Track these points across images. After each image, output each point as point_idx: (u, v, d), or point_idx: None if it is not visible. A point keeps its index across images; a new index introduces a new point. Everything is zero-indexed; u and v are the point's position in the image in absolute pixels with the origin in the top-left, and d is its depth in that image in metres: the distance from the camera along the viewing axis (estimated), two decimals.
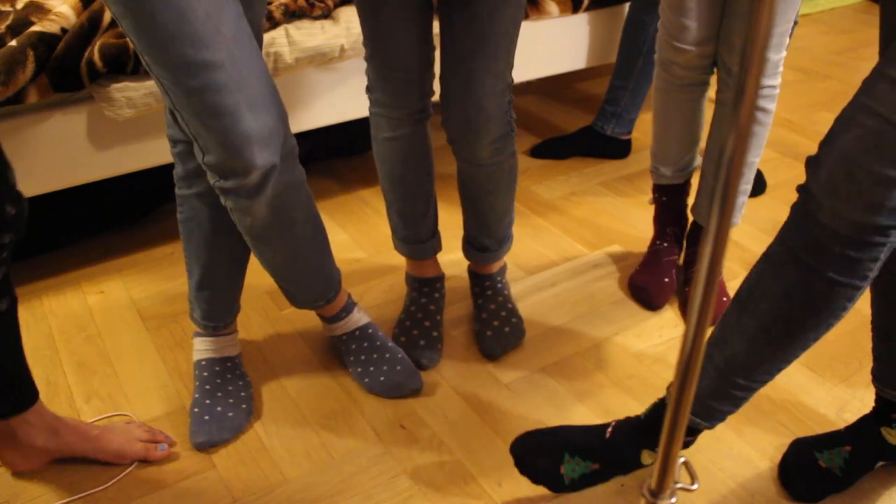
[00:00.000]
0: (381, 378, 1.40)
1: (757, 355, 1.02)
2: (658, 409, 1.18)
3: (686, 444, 1.19)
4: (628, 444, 1.18)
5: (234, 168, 1.05)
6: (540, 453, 1.19)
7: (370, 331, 1.45)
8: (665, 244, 1.73)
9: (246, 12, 1.09)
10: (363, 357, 1.42)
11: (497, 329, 1.52)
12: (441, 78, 1.28)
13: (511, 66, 1.27)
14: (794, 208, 0.95)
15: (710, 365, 1.07)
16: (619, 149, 2.26)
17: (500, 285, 1.58)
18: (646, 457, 1.18)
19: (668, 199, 1.70)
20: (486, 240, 1.50)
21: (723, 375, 1.06)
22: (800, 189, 0.94)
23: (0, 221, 0.99)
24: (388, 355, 1.42)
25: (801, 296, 0.95)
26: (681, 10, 1.43)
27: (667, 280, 1.68)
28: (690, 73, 1.51)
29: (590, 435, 1.20)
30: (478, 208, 1.45)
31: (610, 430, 1.20)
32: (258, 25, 1.15)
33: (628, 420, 1.21)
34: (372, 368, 1.41)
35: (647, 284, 1.67)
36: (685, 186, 1.70)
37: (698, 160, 1.68)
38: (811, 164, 0.93)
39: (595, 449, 1.18)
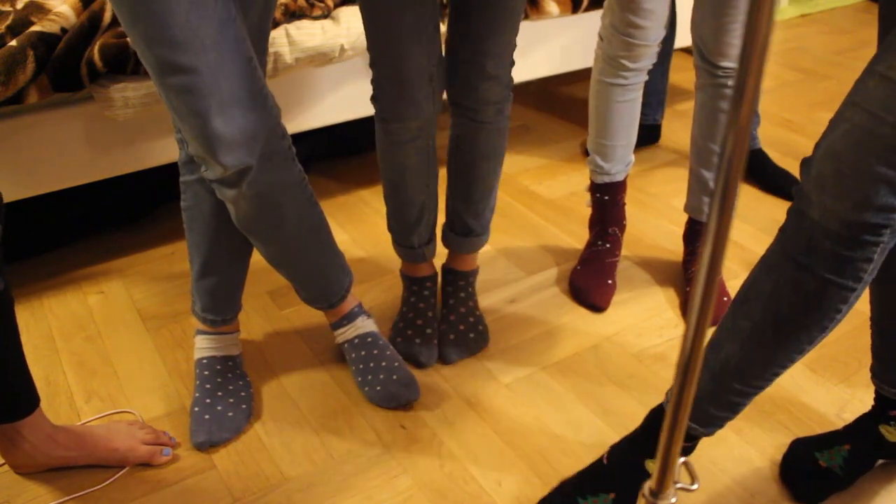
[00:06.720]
0: (378, 388, 1.39)
1: (749, 358, 0.99)
2: (650, 418, 1.16)
3: (685, 451, 1.17)
4: (628, 460, 1.16)
5: (208, 162, 1.09)
6: None
7: (369, 339, 1.44)
8: (607, 245, 1.71)
9: (247, 12, 1.09)
10: (362, 365, 1.42)
11: (462, 334, 1.52)
12: (448, 43, 1.30)
13: (516, 32, 1.31)
14: (789, 210, 0.94)
15: (706, 369, 1.03)
16: (650, 135, 2.28)
17: (471, 289, 1.59)
18: (649, 465, 1.16)
19: (609, 198, 1.70)
20: (470, 220, 1.49)
21: (718, 380, 1.03)
22: (794, 189, 0.93)
23: None
24: (384, 364, 1.41)
25: (792, 295, 0.92)
26: (636, 10, 1.45)
27: (610, 282, 1.67)
28: (637, 68, 1.55)
29: (589, 470, 1.19)
30: (468, 178, 1.45)
31: (605, 456, 1.19)
32: (260, 28, 1.15)
33: (620, 441, 1.20)
34: (370, 377, 1.40)
35: (589, 287, 1.65)
36: (624, 183, 1.70)
37: (632, 156, 1.70)
38: (805, 163, 0.91)
39: (600, 478, 1.16)
